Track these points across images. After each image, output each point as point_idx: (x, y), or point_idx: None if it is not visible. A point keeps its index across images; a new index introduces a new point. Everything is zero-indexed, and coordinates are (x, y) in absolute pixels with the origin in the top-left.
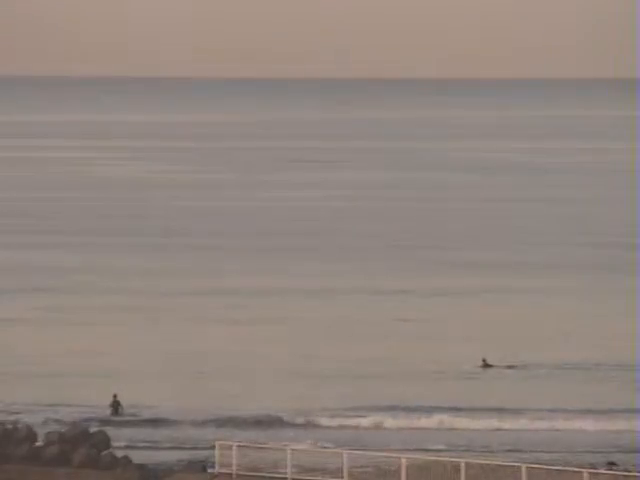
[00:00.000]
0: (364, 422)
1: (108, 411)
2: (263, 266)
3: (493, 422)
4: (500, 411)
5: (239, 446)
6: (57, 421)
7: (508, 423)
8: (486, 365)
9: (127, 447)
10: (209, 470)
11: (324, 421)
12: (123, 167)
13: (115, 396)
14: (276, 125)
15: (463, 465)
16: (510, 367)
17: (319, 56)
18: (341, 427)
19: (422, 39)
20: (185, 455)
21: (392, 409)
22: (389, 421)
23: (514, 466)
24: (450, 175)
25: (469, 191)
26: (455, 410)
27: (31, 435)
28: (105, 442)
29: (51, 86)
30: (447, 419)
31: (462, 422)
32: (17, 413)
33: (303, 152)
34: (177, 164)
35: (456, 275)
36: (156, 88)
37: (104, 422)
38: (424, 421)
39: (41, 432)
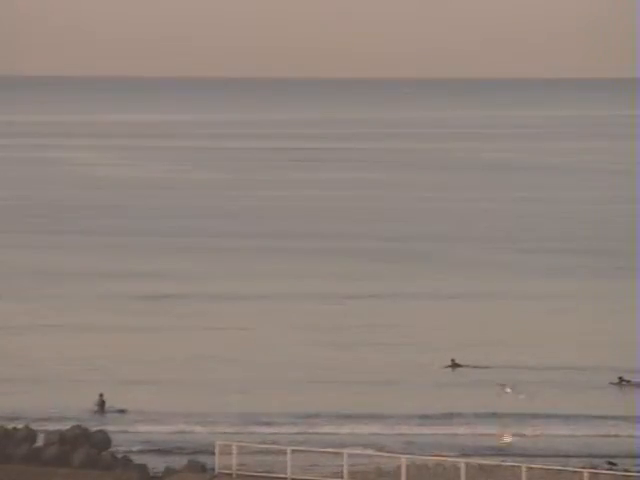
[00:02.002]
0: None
1: (95, 409)
2: (263, 267)
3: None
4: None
5: (239, 446)
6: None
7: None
8: (455, 365)
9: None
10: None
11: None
12: (123, 167)
13: (101, 395)
14: (276, 125)
15: (463, 465)
16: (477, 367)
17: (319, 56)
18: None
19: (422, 39)
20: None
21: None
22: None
23: (514, 466)
24: (450, 175)
25: (469, 191)
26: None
27: (31, 435)
28: (105, 442)
29: (50, 85)
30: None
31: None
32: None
33: (303, 152)
34: (177, 164)
35: (455, 276)
36: (156, 88)
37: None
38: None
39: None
